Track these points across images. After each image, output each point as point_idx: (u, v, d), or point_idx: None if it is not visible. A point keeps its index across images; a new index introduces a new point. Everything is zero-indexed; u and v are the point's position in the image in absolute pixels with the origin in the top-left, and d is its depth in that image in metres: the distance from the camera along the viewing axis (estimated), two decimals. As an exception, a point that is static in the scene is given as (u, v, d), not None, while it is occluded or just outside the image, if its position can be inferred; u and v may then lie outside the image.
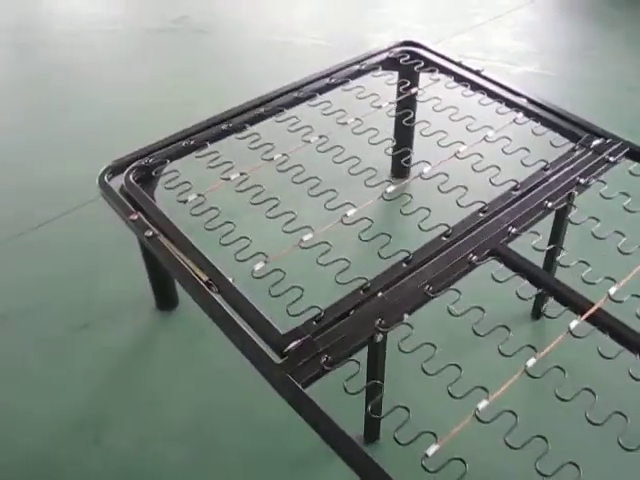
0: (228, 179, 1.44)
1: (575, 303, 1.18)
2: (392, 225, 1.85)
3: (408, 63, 1.79)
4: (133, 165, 1.49)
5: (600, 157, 1.48)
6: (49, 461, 1.46)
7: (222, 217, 1.35)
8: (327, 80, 1.74)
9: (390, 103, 1.70)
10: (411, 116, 1.66)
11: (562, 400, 1.03)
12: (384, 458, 0.99)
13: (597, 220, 1.30)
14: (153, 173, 1.49)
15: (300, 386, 1.07)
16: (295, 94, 1.69)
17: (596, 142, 1.51)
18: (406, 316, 1.18)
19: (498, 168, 1.43)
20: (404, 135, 1.86)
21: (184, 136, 1.57)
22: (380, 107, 1.66)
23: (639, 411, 1.08)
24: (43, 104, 2.73)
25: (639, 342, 1.12)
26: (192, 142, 1.55)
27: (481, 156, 1.47)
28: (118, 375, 1.64)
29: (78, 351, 1.68)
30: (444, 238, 1.31)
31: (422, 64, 1.78)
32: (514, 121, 1.59)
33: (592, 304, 1.17)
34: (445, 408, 1.07)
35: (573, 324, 1.13)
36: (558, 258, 1.30)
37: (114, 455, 1.46)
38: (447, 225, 1.32)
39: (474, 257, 1.27)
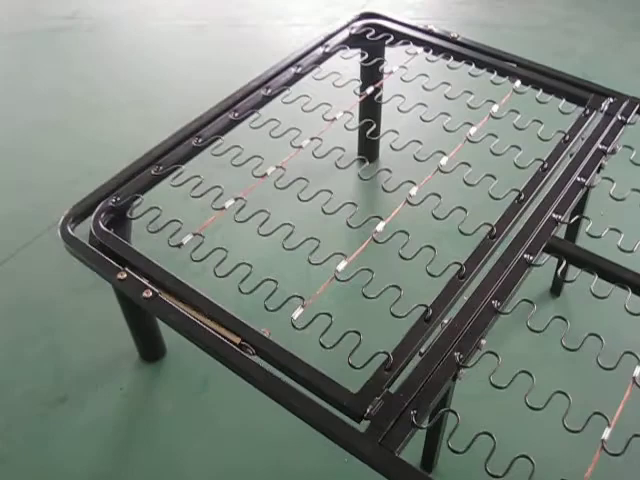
0: (223, 208, 1.21)
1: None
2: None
3: (376, 39, 1.60)
4: (100, 207, 1.23)
5: (615, 119, 1.37)
6: None
7: (232, 257, 1.12)
8: (294, 70, 1.52)
9: (375, 89, 1.50)
10: (402, 101, 1.47)
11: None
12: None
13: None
14: (128, 214, 1.23)
15: (396, 454, 0.90)
16: (263, 92, 1.46)
17: (604, 103, 1.41)
18: (483, 342, 1.03)
19: (518, 148, 1.29)
20: (374, 115, 1.68)
21: (150, 161, 1.31)
22: (364, 95, 1.47)
23: None
24: None
25: None
26: (161, 167, 1.30)
27: (495, 136, 1.33)
28: (116, 453, 1.39)
29: (60, 432, 1.41)
30: (490, 239, 1.16)
31: (391, 38, 1.60)
32: (514, 91, 1.45)
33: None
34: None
35: None
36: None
37: None
38: (490, 224, 1.17)
39: (530, 256, 1.13)
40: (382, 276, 1.08)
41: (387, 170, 1.29)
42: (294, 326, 1.03)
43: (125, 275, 1.11)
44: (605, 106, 1.40)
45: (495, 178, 1.23)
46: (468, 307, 1.06)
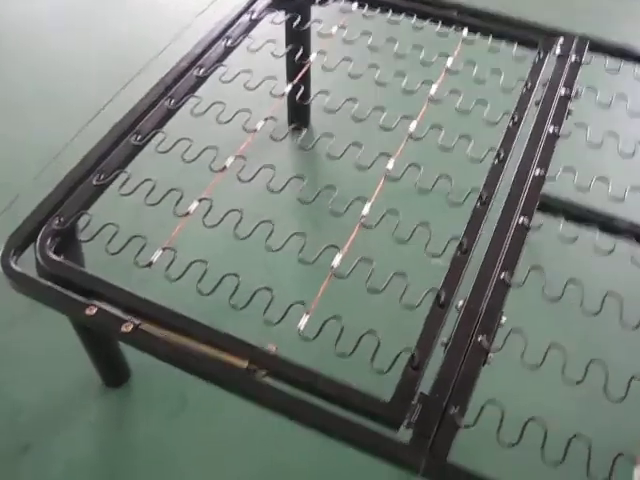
0: (188, 213, 1.07)
1: None
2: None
3: (303, -3, 1.47)
4: (43, 232, 1.05)
5: (569, 61, 1.33)
6: None
7: (214, 268, 0.99)
8: (224, 43, 1.36)
9: (304, 52, 1.37)
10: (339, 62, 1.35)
11: None
12: None
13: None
14: (80, 237, 1.07)
15: (447, 461, 0.83)
16: (195, 72, 1.30)
17: (555, 45, 1.36)
18: (504, 319, 0.97)
19: (484, 103, 1.23)
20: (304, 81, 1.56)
21: (87, 170, 1.14)
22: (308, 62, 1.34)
23: None
24: None
25: None
26: (102, 175, 1.13)
27: (458, 93, 1.25)
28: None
29: (28, 485, 1.25)
30: (480, 206, 1.09)
31: (320, -6, 1.47)
32: (463, 41, 1.38)
33: None
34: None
35: None
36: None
37: None
38: (480, 190, 1.10)
39: (526, 219, 1.08)
40: (380, 264, 1.00)
41: (328, 135, 1.18)
42: (303, 338, 0.92)
43: (95, 310, 0.96)
44: (557, 48, 1.36)
45: (470, 139, 1.17)
46: (480, 285, 1.00)
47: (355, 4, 1.45)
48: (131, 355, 1.37)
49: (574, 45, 1.36)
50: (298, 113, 1.78)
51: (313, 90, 1.31)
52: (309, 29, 1.47)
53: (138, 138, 1.18)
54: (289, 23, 1.44)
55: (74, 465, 1.27)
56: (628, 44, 1.38)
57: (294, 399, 0.88)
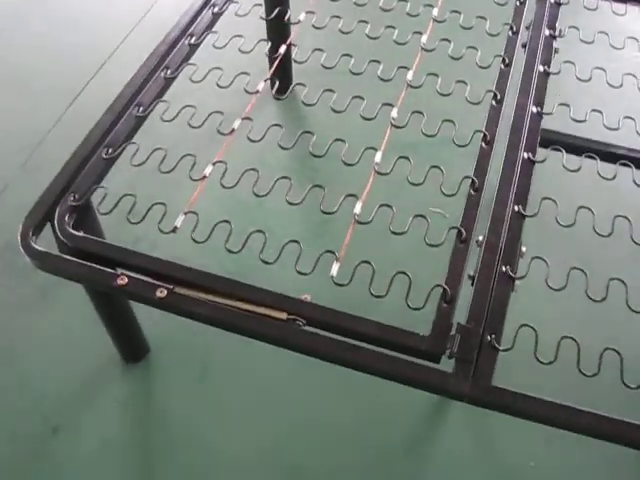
0: (205, 177, 1.08)
1: None
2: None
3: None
4: (60, 210, 1.04)
5: (550, 1, 1.38)
6: None
7: (240, 228, 1.01)
8: (210, 11, 1.36)
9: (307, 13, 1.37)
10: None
11: None
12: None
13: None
14: (97, 209, 1.07)
15: (491, 384, 0.88)
16: (187, 41, 1.30)
17: (533, -14, 1.40)
18: (524, 249, 1.01)
19: (475, 48, 1.26)
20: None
21: (94, 144, 1.13)
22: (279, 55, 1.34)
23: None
24: None
25: None
26: (110, 149, 1.13)
27: (449, 41, 1.28)
28: (141, 471, 1.25)
29: (68, 465, 1.25)
30: (485, 146, 1.13)
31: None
32: (444, -11, 1.40)
33: None
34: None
35: None
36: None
37: None
38: (482, 131, 1.14)
39: (530, 154, 1.12)
40: (400, 209, 1.03)
41: (301, 84, 1.21)
42: (337, 284, 0.95)
43: (126, 279, 0.97)
44: (534, -11, 1.40)
45: (467, 84, 1.20)
46: (497, 219, 1.03)
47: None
48: (148, 330, 1.38)
49: (552, -13, 1.40)
50: (288, 74, 1.77)
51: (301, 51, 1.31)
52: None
53: (141, 109, 1.18)
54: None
55: (107, 442, 1.28)
56: (603, -18, 1.42)
57: (341, 343, 0.91)
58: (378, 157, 1.10)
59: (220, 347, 1.39)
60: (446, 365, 0.90)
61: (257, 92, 1.19)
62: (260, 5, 1.37)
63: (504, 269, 0.97)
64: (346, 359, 0.91)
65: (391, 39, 1.28)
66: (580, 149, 1.14)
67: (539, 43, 1.29)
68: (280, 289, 0.95)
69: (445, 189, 1.05)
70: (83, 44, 2.17)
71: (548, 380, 1.03)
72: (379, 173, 1.08)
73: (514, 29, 1.32)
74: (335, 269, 0.96)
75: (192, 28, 1.32)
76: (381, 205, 1.02)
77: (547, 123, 1.18)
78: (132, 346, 1.38)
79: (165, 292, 0.96)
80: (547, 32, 1.31)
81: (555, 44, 1.30)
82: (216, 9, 1.36)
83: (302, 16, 1.34)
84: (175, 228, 1.01)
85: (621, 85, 1.21)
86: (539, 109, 1.18)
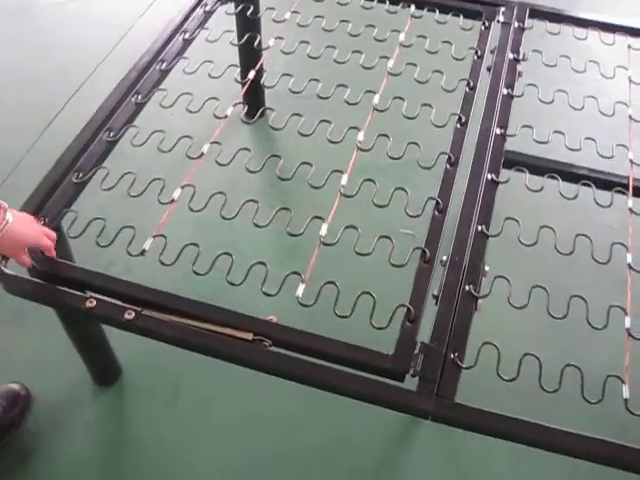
0: (173, 201, 1.09)
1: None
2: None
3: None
4: (29, 234, 1.05)
5: (513, 27, 1.41)
6: None
7: (208, 250, 1.02)
8: (181, 37, 1.38)
9: (251, 37, 1.40)
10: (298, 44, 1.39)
11: None
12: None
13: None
14: (68, 234, 1.07)
15: (455, 401, 0.89)
16: (158, 66, 1.32)
17: (498, 13, 1.44)
18: (487, 268, 1.03)
19: (441, 72, 1.29)
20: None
21: (64, 169, 1.14)
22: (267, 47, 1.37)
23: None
24: None
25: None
26: (81, 173, 1.14)
27: (415, 65, 1.31)
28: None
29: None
30: (450, 167, 1.16)
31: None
32: (412, 16, 1.44)
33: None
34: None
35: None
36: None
37: None
38: (447, 153, 1.16)
39: (494, 176, 1.14)
40: (365, 231, 1.04)
41: (269, 109, 1.25)
42: (302, 304, 0.96)
43: (95, 302, 0.97)
44: (500, 16, 1.43)
45: (432, 107, 1.22)
46: (460, 239, 1.06)
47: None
48: (120, 352, 1.38)
49: (515, 13, 1.44)
50: (258, 98, 1.80)
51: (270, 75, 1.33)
52: (259, 19, 1.50)
53: (111, 134, 1.20)
54: (241, 14, 1.46)
55: (78, 463, 1.28)
56: (564, 9, 1.47)
57: (304, 363, 0.92)
58: (344, 180, 1.12)
59: (192, 369, 1.39)
60: (410, 384, 0.91)
61: (226, 117, 1.20)
62: (231, 31, 1.40)
63: (467, 288, 0.99)
64: (312, 379, 0.92)
65: (358, 63, 1.31)
66: (543, 170, 1.16)
67: (503, 67, 1.32)
68: (248, 310, 0.96)
69: (410, 210, 1.07)
70: (57, 70, 2.18)
71: (511, 397, 1.04)
72: (345, 195, 1.09)
73: (479, 53, 1.35)
74: (301, 290, 0.97)
75: (163, 54, 1.34)
76: (347, 227, 1.04)
77: (511, 144, 1.21)
78: (104, 369, 1.38)
79: (133, 314, 0.96)
80: (511, 56, 1.35)
81: (519, 67, 1.33)
82: (187, 35, 1.39)
83: (272, 42, 1.37)
84: (144, 251, 1.02)
85: (583, 107, 1.25)
86: (503, 131, 1.21)
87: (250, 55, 1.46)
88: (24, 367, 1.42)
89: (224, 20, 1.47)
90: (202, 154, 1.15)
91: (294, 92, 1.26)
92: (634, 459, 0.84)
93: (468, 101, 1.26)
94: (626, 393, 0.89)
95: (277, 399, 1.37)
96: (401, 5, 1.45)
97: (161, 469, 1.29)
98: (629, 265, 1.03)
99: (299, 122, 1.19)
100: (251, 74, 1.31)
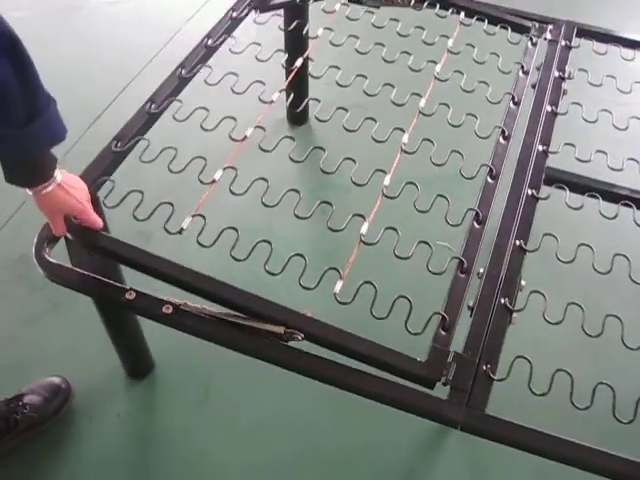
0: (214, 181, 1.08)
1: None
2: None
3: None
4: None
5: (560, 45, 1.41)
6: None
7: (247, 234, 0.99)
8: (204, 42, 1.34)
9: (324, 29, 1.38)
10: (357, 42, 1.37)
11: None
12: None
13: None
14: (104, 203, 1.05)
15: (485, 412, 0.89)
16: (205, 42, 1.30)
17: (546, 30, 1.44)
18: (523, 282, 1.03)
19: (487, 84, 1.28)
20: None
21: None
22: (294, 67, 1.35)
23: None
24: None
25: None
26: (119, 143, 1.12)
27: (462, 73, 1.30)
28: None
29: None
30: (491, 180, 1.15)
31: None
32: (461, 23, 1.43)
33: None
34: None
35: None
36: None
37: None
38: (489, 165, 1.16)
39: (534, 191, 1.14)
40: (404, 234, 1.03)
41: (315, 100, 1.20)
42: (339, 302, 0.95)
43: (134, 294, 0.97)
44: (547, 34, 1.43)
45: (476, 117, 1.22)
46: (498, 252, 1.05)
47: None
48: (154, 348, 1.38)
49: (562, 31, 1.44)
50: (302, 88, 1.76)
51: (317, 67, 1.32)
52: (307, 7, 1.49)
53: (153, 106, 1.18)
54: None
55: (108, 455, 1.28)
56: (612, 29, 1.46)
57: (338, 365, 0.92)
58: (387, 180, 1.10)
59: (223, 369, 1.40)
60: (439, 392, 0.91)
61: (272, 102, 1.19)
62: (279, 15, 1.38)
63: (503, 301, 0.99)
64: (343, 382, 0.92)
65: (406, 64, 1.29)
66: (583, 188, 1.17)
67: (548, 84, 1.32)
68: (283, 302, 0.95)
69: (450, 219, 1.07)
70: (104, 70, 2.19)
71: (541, 412, 1.04)
72: (387, 197, 1.08)
73: (524, 68, 1.34)
74: (338, 287, 0.97)
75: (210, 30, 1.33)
76: (387, 228, 1.03)
77: (553, 162, 1.20)
78: (137, 362, 1.38)
79: (171, 309, 0.95)
80: (557, 74, 1.34)
81: (564, 85, 1.33)
82: (235, 14, 1.37)
83: (320, 31, 1.35)
84: (182, 229, 1.01)
85: (627, 128, 1.25)
86: (545, 148, 1.21)
87: (297, 43, 1.45)
88: (61, 356, 1.42)
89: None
90: (245, 137, 1.14)
91: (341, 86, 1.24)
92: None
93: (512, 115, 1.26)
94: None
95: (305, 402, 1.37)
96: (450, 11, 1.45)
97: (187, 465, 1.28)
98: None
99: (344, 117, 1.18)
100: (298, 62, 1.30)
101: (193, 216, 1.03)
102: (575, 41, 1.42)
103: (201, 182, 1.06)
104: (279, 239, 1.22)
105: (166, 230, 1.00)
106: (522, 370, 0.91)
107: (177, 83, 1.23)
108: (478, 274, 1.03)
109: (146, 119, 1.17)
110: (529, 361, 0.92)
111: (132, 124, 1.15)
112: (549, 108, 1.28)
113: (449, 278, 1.02)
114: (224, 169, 1.09)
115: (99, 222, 0.99)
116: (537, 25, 1.45)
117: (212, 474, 1.29)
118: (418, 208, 1.07)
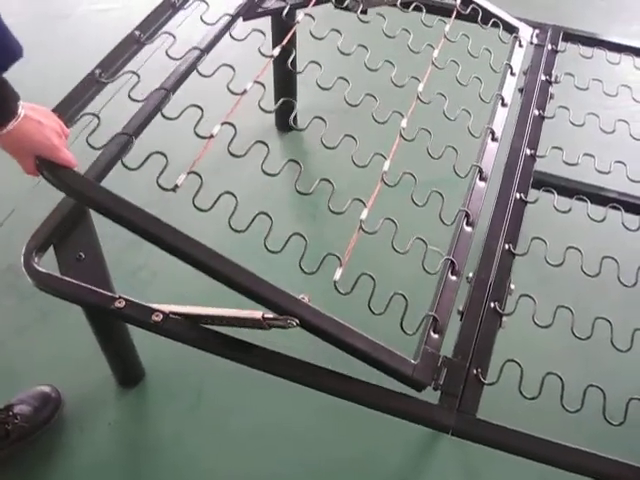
0: (212, 136, 1.00)
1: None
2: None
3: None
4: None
5: (547, 49, 1.42)
6: None
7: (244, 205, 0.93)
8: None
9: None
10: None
11: None
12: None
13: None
14: (88, 141, 0.94)
15: (476, 417, 0.89)
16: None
17: (532, 34, 1.45)
18: (513, 286, 1.03)
19: (479, 80, 1.26)
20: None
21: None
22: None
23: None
24: None
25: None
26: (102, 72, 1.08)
27: (456, 63, 1.27)
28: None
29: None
30: (480, 182, 1.15)
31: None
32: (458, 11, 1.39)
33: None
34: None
35: None
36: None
37: None
38: (477, 165, 1.15)
39: (522, 195, 1.15)
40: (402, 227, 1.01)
41: (321, 119, 1.09)
42: (338, 291, 0.90)
43: (123, 302, 0.97)
44: (533, 38, 1.44)
45: (470, 113, 1.19)
46: (487, 256, 1.06)
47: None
48: (144, 356, 1.38)
49: (549, 35, 1.45)
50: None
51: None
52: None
53: (143, 36, 1.16)
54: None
55: (98, 465, 1.27)
56: (597, 33, 1.47)
57: (331, 372, 0.91)
58: (386, 166, 1.06)
59: (214, 377, 1.39)
60: (427, 396, 0.91)
61: (272, 56, 1.15)
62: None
63: (492, 305, 0.99)
64: (335, 389, 0.92)
65: (406, 45, 1.25)
66: (571, 191, 1.17)
67: (535, 88, 1.33)
68: (278, 280, 0.89)
69: (441, 223, 1.05)
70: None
71: (531, 415, 1.04)
72: (385, 183, 1.03)
73: (512, 70, 1.35)
74: (338, 274, 0.92)
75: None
76: (386, 218, 0.99)
77: (540, 165, 1.21)
78: (128, 370, 1.37)
79: (161, 317, 0.95)
80: (543, 77, 1.35)
81: (551, 89, 1.33)
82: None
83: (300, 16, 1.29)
84: (176, 186, 0.92)
85: (613, 131, 1.25)
86: (533, 151, 1.21)
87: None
88: (51, 364, 1.41)
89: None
90: (245, 91, 1.06)
91: (323, 89, 1.16)
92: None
93: (500, 116, 1.26)
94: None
95: (297, 409, 1.36)
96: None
97: (179, 473, 1.27)
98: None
99: (345, 90, 1.12)
100: (276, 51, 1.21)
101: (188, 173, 0.94)
102: (561, 45, 1.43)
103: (197, 135, 0.99)
104: (278, 213, 1.16)
105: (160, 186, 0.91)
106: (512, 374, 0.91)
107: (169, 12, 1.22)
108: (467, 278, 1.03)
109: (134, 49, 1.15)
110: (519, 365, 0.92)
111: (117, 53, 1.12)
112: (536, 112, 1.28)
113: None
114: (222, 124, 1.01)
115: (72, 160, 0.90)
116: (524, 27, 1.45)
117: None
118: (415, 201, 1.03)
